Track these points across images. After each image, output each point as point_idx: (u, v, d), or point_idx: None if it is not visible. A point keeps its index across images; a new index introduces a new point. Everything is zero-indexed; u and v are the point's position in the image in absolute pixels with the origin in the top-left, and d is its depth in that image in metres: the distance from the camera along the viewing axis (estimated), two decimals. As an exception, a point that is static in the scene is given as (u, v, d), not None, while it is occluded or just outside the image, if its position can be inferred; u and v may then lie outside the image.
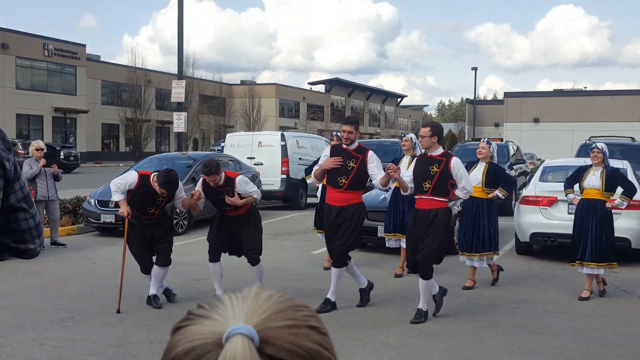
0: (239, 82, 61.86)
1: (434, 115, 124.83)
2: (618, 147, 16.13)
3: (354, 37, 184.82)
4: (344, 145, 6.41)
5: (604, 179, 7.05)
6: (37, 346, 5.26)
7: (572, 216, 7.48)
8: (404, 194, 6.54)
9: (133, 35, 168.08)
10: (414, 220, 6.20)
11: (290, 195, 15.99)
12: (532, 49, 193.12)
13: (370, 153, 6.37)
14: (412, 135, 8.59)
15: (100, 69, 46.08)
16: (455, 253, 8.30)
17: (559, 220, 8.92)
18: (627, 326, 6.06)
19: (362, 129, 68.68)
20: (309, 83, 71.34)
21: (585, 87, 65.18)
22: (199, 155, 13.80)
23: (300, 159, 15.79)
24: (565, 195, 7.72)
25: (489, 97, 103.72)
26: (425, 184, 6.08)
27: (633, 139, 17.44)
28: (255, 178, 14.69)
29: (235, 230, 6.66)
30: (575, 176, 7.41)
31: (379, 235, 9.12)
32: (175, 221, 11.47)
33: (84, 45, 43.04)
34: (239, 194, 6.50)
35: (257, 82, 63.28)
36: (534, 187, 9.67)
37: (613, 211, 7.24)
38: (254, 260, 6.65)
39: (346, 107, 69.57)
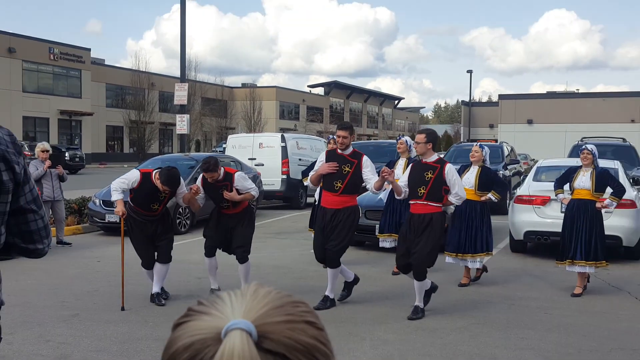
0: (240, 85, 61.90)
1: (430, 117, 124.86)
2: (610, 147, 16.16)
3: (353, 41, 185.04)
4: (339, 150, 6.43)
5: (594, 179, 7.06)
6: (43, 343, 5.26)
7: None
8: (398, 198, 6.55)
9: (137, 40, 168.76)
10: (409, 225, 6.21)
11: (291, 195, 15.99)
12: (525, 52, 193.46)
13: (365, 158, 6.39)
14: (408, 138, 8.61)
15: (104, 73, 46.08)
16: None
17: (552, 219, 8.92)
18: (618, 322, 6.07)
19: (360, 130, 68.80)
20: (309, 86, 71.51)
21: (578, 90, 65.34)
22: (201, 157, 13.79)
23: (300, 159, 15.79)
24: (555, 195, 7.74)
25: (484, 100, 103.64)
26: (420, 190, 6.10)
27: (624, 139, 17.46)
28: (256, 178, 14.70)
29: (230, 227, 6.67)
30: (565, 176, 7.42)
31: (377, 234, 9.12)
32: (178, 220, 11.47)
33: (89, 49, 43.03)
34: (238, 190, 6.51)
35: (258, 85, 63.35)
36: (528, 187, 9.67)
37: (603, 211, 7.25)
38: (243, 259, 6.65)
39: (345, 109, 69.57)
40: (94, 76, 43.50)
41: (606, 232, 7.29)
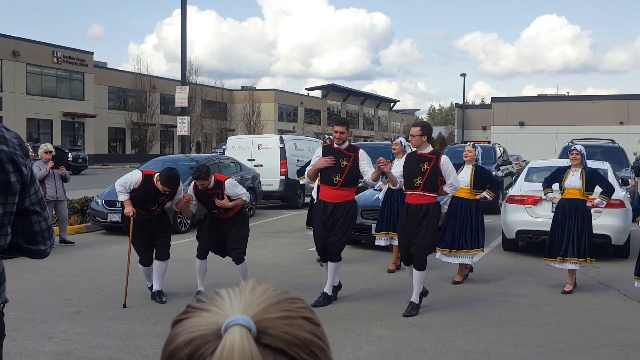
0: (240, 88, 61.82)
1: (425, 119, 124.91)
2: (599, 149, 16.18)
3: (349, 45, 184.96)
4: (335, 145, 6.44)
5: (584, 179, 7.08)
6: (46, 339, 5.24)
7: (556, 214, 7.49)
8: (394, 188, 6.59)
9: (139, 44, 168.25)
10: (406, 214, 6.22)
11: (289, 195, 16.00)
12: (517, 56, 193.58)
13: (361, 151, 6.45)
14: (402, 139, 8.63)
15: (107, 76, 46.01)
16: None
17: (544, 218, 8.93)
18: (607, 318, 6.08)
19: (357, 132, 68.83)
20: (307, 89, 71.36)
21: (568, 93, 65.37)
22: (201, 158, 13.79)
23: (298, 160, 15.79)
24: (544, 195, 7.75)
25: (477, 102, 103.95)
26: (417, 180, 6.13)
27: (613, 141, 17.48)
28: (255, 179, 14.70)
29: (223, 230, 6.66)
30: (554, 177, 7.44)
31: (373, 233, 9.13)
32: (179, 220, 11.46)
33: (92, 53, 42.97)
34: (229, 197, 6.50)
35: (257, 87, 63.26)
36: (520, 187, 9.69)
37: (593, 210, 7.27)
38: (238, 259, 6.64)
39: (342, 111, 69.56)
40: (97, 79, 43.42)
41: (596, 231, 7.33)
